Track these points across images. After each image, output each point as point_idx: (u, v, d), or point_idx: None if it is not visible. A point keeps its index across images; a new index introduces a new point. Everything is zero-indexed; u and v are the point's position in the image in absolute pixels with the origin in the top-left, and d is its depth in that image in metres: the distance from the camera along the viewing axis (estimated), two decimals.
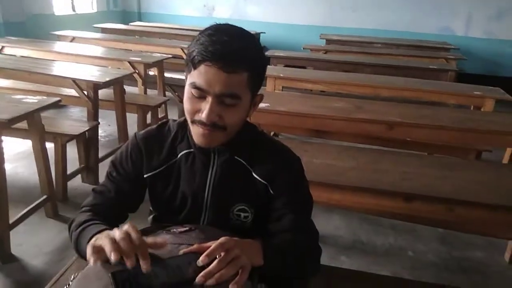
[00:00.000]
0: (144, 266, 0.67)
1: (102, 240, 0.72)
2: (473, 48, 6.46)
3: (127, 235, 0.71)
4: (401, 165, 1.85)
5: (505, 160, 2.52)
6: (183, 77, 0.89)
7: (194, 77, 0.83)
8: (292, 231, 0.93)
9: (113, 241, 0.70)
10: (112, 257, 0.67)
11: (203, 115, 0.84)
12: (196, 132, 0.88)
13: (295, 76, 3.39)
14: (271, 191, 0.95)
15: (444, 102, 3.28)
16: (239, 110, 0.87)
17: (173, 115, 4.19)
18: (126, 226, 0.74)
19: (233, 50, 0.81)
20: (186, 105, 0.87)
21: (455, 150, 2.66)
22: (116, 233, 0.72)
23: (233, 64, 0.81)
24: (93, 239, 0.80)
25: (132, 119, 3.41)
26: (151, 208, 1.08)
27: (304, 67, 4.34)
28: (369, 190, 1.66)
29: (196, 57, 0.82)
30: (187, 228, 0.85)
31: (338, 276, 1.02)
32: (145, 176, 0.98)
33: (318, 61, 4.38)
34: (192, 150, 0.96)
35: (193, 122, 0.88)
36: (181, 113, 0.92)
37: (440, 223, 1.86)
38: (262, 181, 0.95)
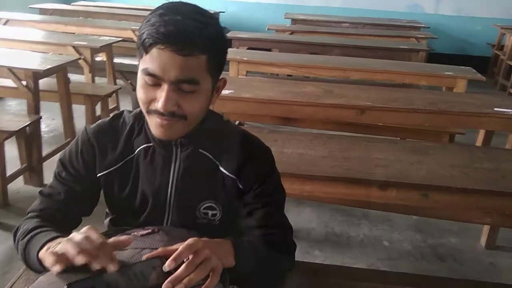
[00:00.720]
0: (112, 267, 0.67)
1: (63, 245, 0.71)
2: (444, 26, 6.69)
3: (88, 237, 0.71)
4: (374, 152, 1.90)
5: (479, 142, 2.64)
6: (136, 63, 0.87)
7: (147, 63, 0.81)
8: (264, 227, 0.94)
9: (76, 245, 0.69)
10: (79, 259, 0.67)
11: (159, 105, 0.82)
12: (153, 123, 0.86)
13: (260, 60, 3.39)
14: (240, 186, 0.95)
15: (415, 83, 3.40)
16: (199, 97, 0.85)
17: (125, 105, 4.09)
18: (84, 229, 0.74)
19: (188, 30, 0.79)
20: (140, 94, 0.85)
21: (428, 134, 2.77)
22: (76, 236, 0.71)
23: (188, 46, 0.79)
24: (44, 248, 0.77)
25: (79, 111, 3.30)
26: (107, 210, 1.06)
27: (269, 50, 4.34)
28: (343, 180, 1.69)
29: (146, 40, 0.80)
30: (149, 231, 0.84)
31: (312, 271, 1.05)
32: (98, 175, 0.96)
33: (284, 43, 4.40)
34: (151, 144, 0.94)
35: (149, 112, 0.86)
36: (135, 103, 0.91)
37: (415, 210, 1.94)
38: (230, 175, 0.95)
